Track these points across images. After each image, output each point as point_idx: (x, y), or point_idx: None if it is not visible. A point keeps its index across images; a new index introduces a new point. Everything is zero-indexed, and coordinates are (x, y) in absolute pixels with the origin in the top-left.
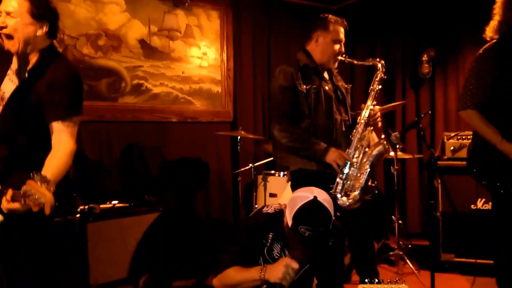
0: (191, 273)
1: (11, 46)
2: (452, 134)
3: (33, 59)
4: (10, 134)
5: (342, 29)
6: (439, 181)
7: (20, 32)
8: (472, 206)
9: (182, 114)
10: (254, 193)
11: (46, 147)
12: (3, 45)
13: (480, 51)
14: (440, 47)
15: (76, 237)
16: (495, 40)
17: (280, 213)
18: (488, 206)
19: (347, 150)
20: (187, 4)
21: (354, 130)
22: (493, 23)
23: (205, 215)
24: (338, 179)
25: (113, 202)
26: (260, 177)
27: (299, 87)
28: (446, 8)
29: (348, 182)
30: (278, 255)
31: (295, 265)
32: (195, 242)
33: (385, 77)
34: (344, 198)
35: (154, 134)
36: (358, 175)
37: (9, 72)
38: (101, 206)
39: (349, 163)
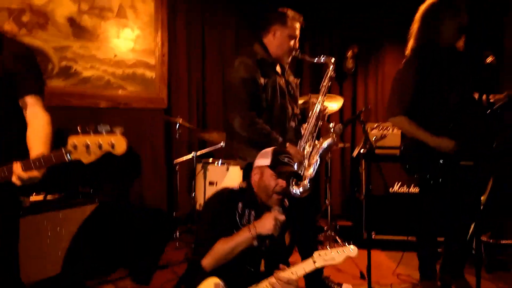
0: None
1: None
2: (375, 125)
3: None
4: None
5: (298, 25)
6: (364, 167)
7: None
8: (390, 189)
9: (114, 99)
10: (193, 182)
11: (17, 122)
12: None
13: (402, 64)
14: (363, 45)
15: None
16: (410, 54)
17: (247, 186)
18: (404, 189)
19: (299, 142)
20: None
21: (306, 124)
22: (410, 43)
23: (139, 205)
24: None
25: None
26: (199, 166)
27: (258, 81)
28: (369, 8)
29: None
30: (247, 221)
31: (282, 217)
32: (128, 233)
33: (335, 75)
34: (295, 188)
35: (85, 120)
36: (308, 166)
37: None
38: (31, 198)
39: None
